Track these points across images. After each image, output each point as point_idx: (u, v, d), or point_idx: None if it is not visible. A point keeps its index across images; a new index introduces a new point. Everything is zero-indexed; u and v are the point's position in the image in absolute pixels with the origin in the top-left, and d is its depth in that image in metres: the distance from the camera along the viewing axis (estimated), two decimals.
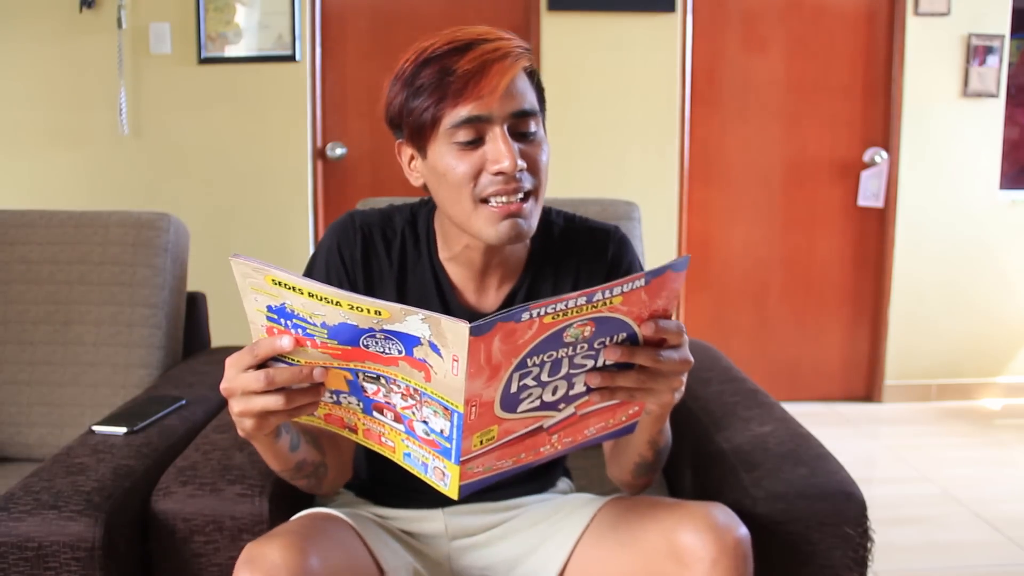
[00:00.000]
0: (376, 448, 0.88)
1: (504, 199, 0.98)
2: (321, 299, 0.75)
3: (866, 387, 3.57)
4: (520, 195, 0.98)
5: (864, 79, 3.38)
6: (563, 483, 1.28)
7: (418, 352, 0.75)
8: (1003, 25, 3.31)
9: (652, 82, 3.25)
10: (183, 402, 1.47)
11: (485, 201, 0.98)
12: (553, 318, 0.74)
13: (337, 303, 0.74)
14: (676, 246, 3.36)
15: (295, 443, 0.99)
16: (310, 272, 1.13)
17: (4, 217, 1.77)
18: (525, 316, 0.72)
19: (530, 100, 0.99)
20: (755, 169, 3.41)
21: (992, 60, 3.30)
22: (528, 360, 0.76)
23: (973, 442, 3.05)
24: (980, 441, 3.06)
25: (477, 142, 0.97)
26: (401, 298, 1.11)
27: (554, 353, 0.78)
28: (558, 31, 3.19)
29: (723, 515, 0.97)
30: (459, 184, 0.98)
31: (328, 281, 1.11)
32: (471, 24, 1.02)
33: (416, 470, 0.85)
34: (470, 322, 0.70)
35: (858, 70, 3.37)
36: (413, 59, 0.98)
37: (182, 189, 3.15)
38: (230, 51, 3.11)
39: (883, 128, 3.40)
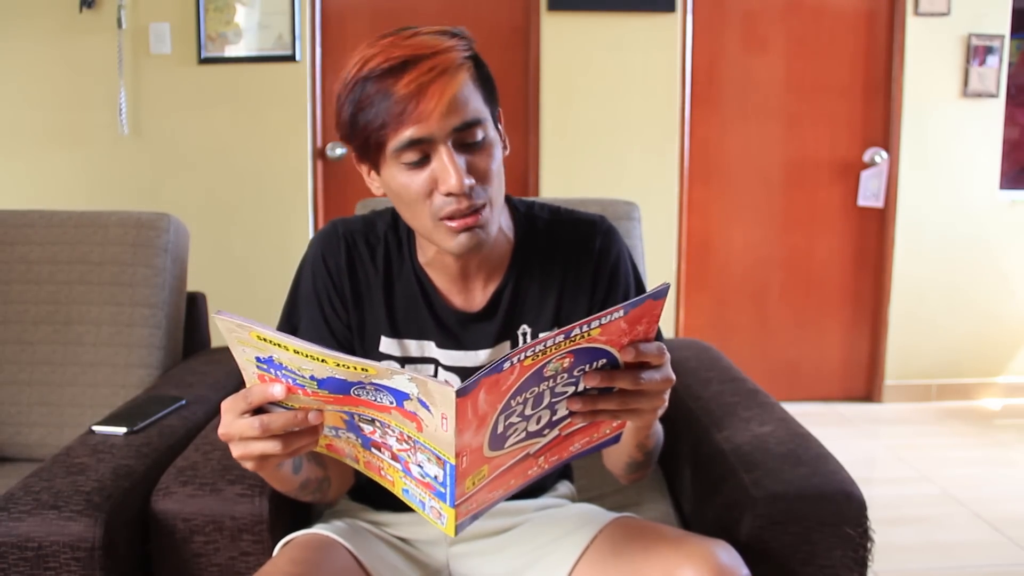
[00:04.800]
0: (376, 479, 0.88)
1: (459, 215, 0.97)
2: (307, 356, 0.75)
3: (866, 387, 3.57)
4: (474, 206, 0.98)
5: (864, 79, 3.38)
6: (563, 486, 1.27)
7: (408, 405, 0.75)
8: (1003, 25, 3.31)
9: (652, 82, 3.25)
10: (183, 402, 1.47)
11: (442, 219, 0.98)
12: (533, 359, 0.74)
13: (323, 360, 0.75)
14: (676, 246, 3.36)
15: (297, 465, 1.00)
16: (298, 283, 1.13)
17: (4, 217, 1.77)
18: (507, 365, 0.73)
19: (473, 108, 0.96)
20: (755, 169, 3.41)
21: (992, 60, 3.30)
22: (512, 401, 0.77)
23: (973, 442, 3.05)
24: (980, 441, 3.06)
25: (424, 160, 0.96)
26: (389, 305, 1.11)
27: (536, 388, 0.78)
28: (558, 31, 3.19)
29: (727, 555, 0.96)
30: (414, 201, 0.98)
31: (315, 289, 1.10)
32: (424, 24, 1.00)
33: (414, 505, 0.85)
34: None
35: (858, 70, 3.37)
36: (355, 72, 0.97)
37: (182, 189, 3.15)
38: (230, 51, 3.11)
39: (883, 128, 3.40)
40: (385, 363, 0.74)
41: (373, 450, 0.85)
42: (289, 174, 3.20)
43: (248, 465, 0.86)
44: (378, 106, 0.94)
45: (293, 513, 1.20)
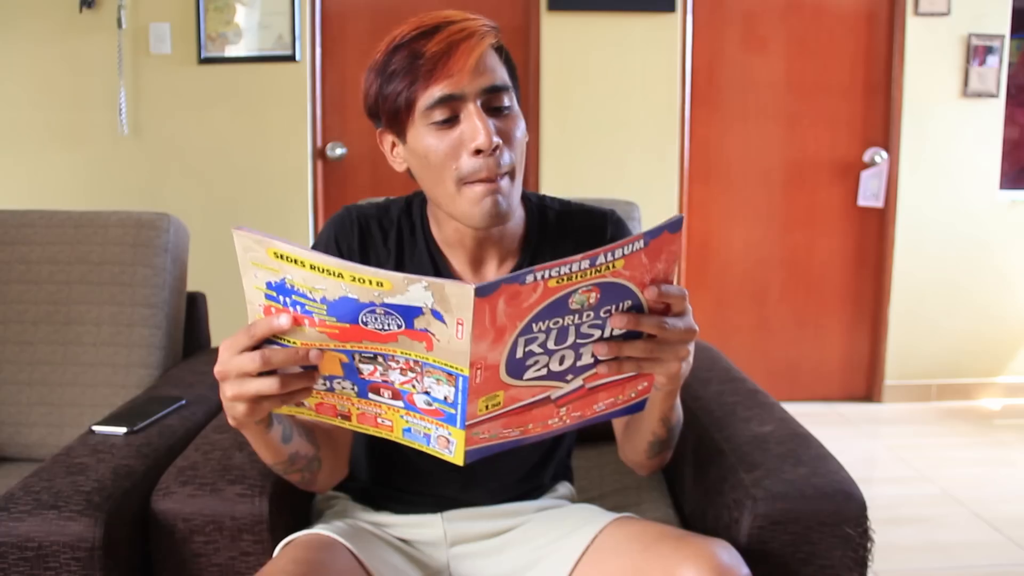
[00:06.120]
0: (372, 431, 0.88)
1: (484, 178, 1.00)
2: (323, 271, 0.75)
3: (866, 387, 3.57)
4: (500, 171, 1.00)
5: (864, 79, 3.38)
6: (563, 487, 1.27)
7: (419, 323, 0.75)
8: (1003, 25, 3.31)
9: (652, 82, 3.25)
10: (183, 402, 1.47)
11: (467, 183, 1.00)
12: (558, 282, 0.75)
13: (339, 275, 0.74)
14: None
15: (287, 434, 0.98)
16: None
17: (4, 217, 1.77)
18: (530, 279, 0.73)
19: (501, 76, 1.01)
20: (755, 169, 3.41)
21: (992, 60, 3.30)
22: (534, 325, 0.77)
23: (973, 442, 3.06)
24: (980, 441, 3.07)
25: (453, 120, 0.99)
26: None
27: (560, 320, 0.78)
28: (558, 31, 3.19)
29: (727, 555, 0.96)
30: (440, 164, 1.00)
31: None
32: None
33: (418, 443, 0.84)
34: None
35: (858, 70, 3.38)
36: (384, 48, 1.01)
37: (182, 189, 3.15)
38: (230, 51, 3.11)
39: (883, 128, 3.40)
40: (400, 273, 0.73)
41: (370, 395, 0.84)
42: (289, 174, 3.20)
43: (239, 409, 0.84)
44: (408, 66, 0.98)
45: (293, 513, 1.20)
